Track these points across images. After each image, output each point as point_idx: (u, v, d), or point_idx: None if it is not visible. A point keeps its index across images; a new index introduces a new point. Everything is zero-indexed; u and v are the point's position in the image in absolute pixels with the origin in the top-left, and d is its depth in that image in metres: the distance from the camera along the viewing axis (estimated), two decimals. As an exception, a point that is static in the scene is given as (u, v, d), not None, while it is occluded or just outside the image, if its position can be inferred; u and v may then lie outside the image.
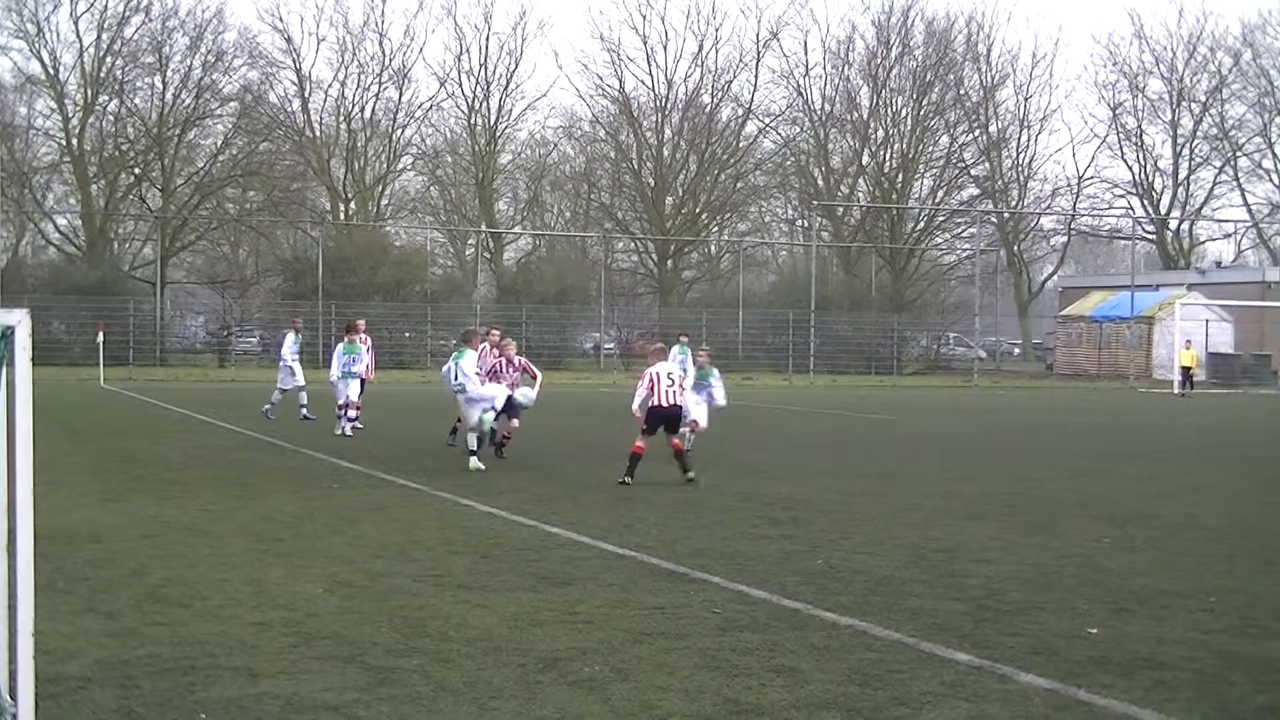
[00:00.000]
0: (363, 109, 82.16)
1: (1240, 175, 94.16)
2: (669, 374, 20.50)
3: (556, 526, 15.28)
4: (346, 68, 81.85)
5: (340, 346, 28.65)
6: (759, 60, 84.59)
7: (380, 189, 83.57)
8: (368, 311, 50.96)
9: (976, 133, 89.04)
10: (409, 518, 15.95)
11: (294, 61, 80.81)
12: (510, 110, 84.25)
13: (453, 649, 9.46)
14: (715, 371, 24.13)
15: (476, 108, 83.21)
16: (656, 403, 20.27)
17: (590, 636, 9.91)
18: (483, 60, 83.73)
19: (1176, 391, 56.94)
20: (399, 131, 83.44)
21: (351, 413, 27.60)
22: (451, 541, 14.15)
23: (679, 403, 20.61)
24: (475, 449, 21.71)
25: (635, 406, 20.92)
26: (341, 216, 79.40)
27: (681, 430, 21.49)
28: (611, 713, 8.08)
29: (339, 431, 27.30)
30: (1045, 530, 15.87)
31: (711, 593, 11.65)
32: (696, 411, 22.99)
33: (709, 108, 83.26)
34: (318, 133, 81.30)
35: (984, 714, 8.16)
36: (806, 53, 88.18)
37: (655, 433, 20.30)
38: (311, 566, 12.59)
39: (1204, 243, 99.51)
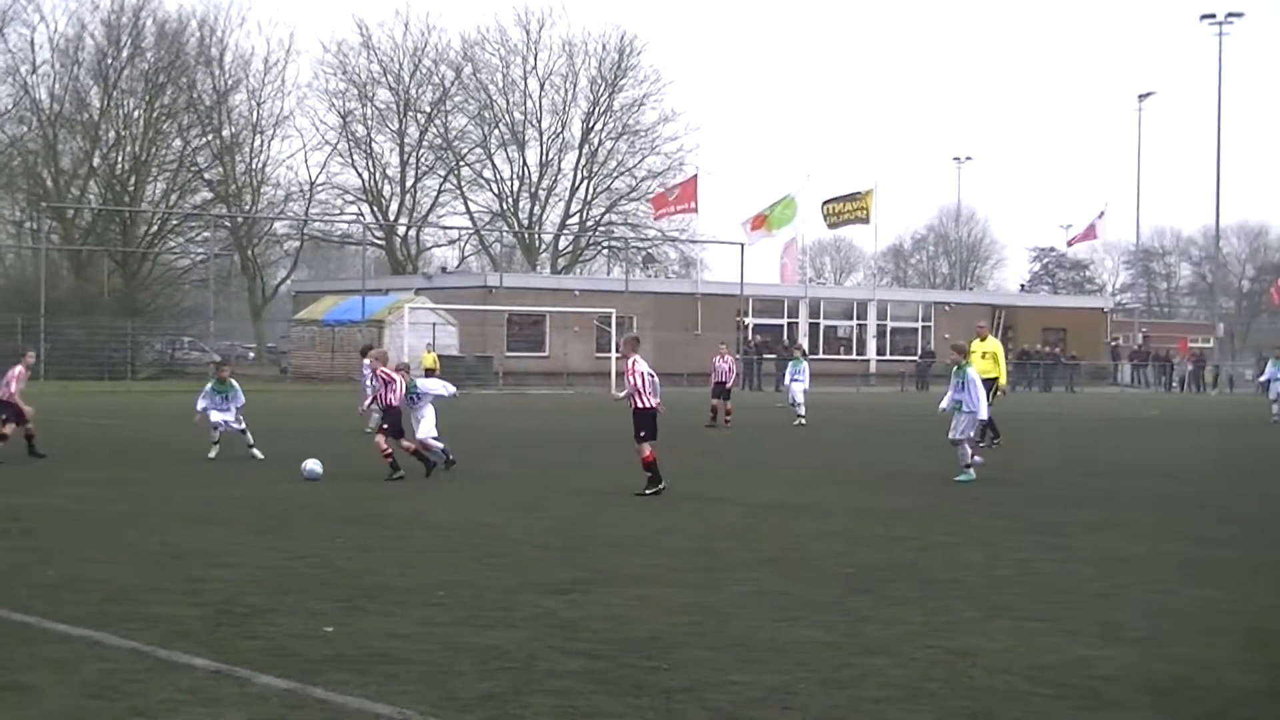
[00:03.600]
0: None
1: (464, 184, 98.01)
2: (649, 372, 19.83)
3: None
4: None
5: None
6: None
7: None
8: None
9: (210, 137, 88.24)
10: None
11: None
12: None
13: None
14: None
15: None
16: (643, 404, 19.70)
17: None
18: None
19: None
20: None
21: None
22: None
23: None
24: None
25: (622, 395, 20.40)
26: None
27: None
28: None
29: None
30: (278, 532, 16.17)
31: (-65, 612, 11.22)
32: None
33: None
34: None
35: (222, 717, 8.32)
36: (34, 49, 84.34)
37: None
38: None
39: (431, 248, 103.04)
